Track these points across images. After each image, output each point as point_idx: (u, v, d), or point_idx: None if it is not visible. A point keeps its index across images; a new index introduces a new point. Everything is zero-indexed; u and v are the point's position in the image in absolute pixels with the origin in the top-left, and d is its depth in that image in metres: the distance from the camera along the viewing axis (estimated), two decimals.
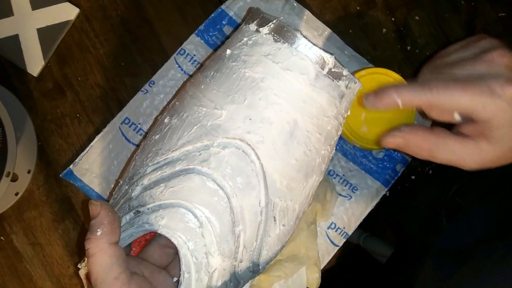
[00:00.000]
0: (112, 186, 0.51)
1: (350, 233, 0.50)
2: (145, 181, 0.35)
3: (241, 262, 0.35)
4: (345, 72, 0.36)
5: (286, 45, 0.35)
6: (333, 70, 0.35)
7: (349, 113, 0.39)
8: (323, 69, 0.35)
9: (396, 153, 0.51)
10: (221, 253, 0.34)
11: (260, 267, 0.37)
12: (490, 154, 0.34)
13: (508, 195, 0.44)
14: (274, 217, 0.36)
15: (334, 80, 0.35)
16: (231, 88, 0.35)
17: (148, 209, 0.34)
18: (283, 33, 0.35)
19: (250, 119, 0.34)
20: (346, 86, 0.36)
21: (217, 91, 0.36)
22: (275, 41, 0.35)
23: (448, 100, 0.34)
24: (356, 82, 0.37)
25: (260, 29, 0.36)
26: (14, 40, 0.53)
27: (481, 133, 0.34)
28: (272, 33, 0.36)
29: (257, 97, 0.35)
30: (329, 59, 0.35)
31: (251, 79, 0.35)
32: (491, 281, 0.36)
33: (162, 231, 0.33)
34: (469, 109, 0.33)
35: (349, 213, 0.50)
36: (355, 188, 0.51)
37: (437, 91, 0.34)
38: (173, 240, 0.33)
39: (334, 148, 0.40)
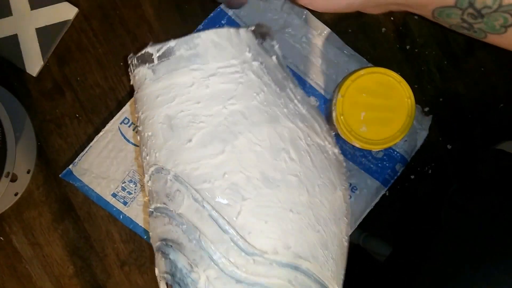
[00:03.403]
0: (112, 186, 0.51)
1: (349, 233, 0.50)
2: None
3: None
4: (172, 43, 0.37)
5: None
6: (160, 55, 0.37)
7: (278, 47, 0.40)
8: (148, 62, 0.37)
9: (395, 152, 0.51)
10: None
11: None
12: None
13: (507, 194, 0.44)
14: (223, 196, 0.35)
15: (167, 58, 0.37)
16: None
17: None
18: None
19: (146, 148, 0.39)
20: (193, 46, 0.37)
21: None
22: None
23: None
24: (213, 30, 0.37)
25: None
26: (13, 40, 0.53)
27: None
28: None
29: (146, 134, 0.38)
30: (150, 50, 0.37)
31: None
32: (492, 281, 0.36)
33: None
34: None
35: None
36: (355, 188, 0.51)
37: None
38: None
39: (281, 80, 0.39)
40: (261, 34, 0.41)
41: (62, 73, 0.54)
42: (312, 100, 0.51)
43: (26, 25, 0.53)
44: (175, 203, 0.35)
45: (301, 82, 0.51)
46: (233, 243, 0.34)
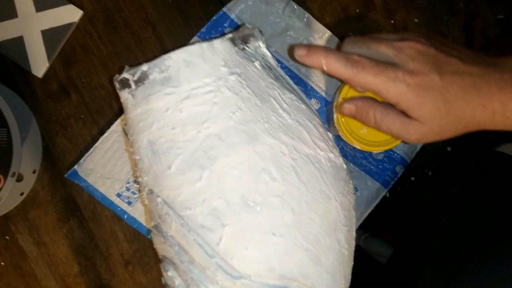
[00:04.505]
0: (116, 186, 0.52)
1: (352, 239, 0.51)
2: None
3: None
4: (144, 68, 0.36)
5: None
6: (136, 79, 0.37)
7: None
8: (129, 87, 0.38)
9: (396, 154, 0.52)
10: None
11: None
12: (419, 131, 0.37)
13: (508, 196, 0.44)
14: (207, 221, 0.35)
15: (142, 83, 0.37)
16: None
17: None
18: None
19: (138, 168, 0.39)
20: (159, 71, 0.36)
21: None
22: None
23: (363, 80, 0.37)
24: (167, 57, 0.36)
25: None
26: (18, 42, 0.54)
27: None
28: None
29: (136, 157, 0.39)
30: (126, 75, 0.37)
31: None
32: (491, 283, 0.36)
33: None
34: (378, 91, 0.37)
35: None
36: (355, 189, 0.51)
37: (357, 70, 0.36)
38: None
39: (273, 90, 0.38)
40: (244, 37, 0.39)
41: (67, 74, 0.54)
42: (313, 102, 0.51)
43: (31, 27, 0.54)
44: (166, 225, 0.36)
45: (303, 84, 0.51)
46: (219, 267, 0.34)
